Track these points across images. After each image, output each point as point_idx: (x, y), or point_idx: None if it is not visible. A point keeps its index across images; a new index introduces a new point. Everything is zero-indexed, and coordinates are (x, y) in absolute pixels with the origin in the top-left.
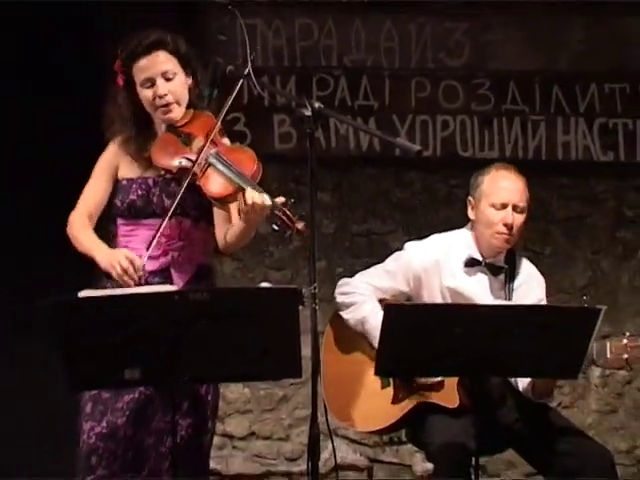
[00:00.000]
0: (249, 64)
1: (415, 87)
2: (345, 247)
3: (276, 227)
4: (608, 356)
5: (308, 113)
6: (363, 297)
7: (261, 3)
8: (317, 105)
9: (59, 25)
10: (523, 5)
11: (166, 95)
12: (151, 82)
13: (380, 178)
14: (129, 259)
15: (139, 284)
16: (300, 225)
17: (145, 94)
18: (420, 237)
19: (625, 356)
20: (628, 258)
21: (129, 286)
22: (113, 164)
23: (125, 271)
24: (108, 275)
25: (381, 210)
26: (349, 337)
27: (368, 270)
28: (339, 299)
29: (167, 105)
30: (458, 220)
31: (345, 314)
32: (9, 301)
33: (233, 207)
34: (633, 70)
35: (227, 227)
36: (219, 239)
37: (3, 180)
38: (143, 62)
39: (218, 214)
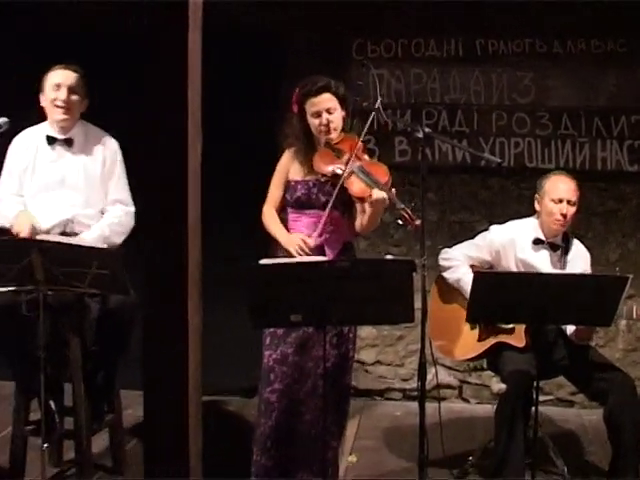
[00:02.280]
0: (379, 101)
1: (495, 118)
2: (445, 231)
3: (400, 222)
4: None
5: (420, 135)
6: (458, 262)
7: (387, 59)
8: (426, 130)
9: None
10: (573, 59)
11: (328, 124)
12: (318, 114)
13: (470, 182)
14: (303, 241)
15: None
16: (417, 222)
17: (314, 121)
18: (500, 223)
19: None
20: None
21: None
22: (286, 168)
23: (301, 249)
24: (287, 250)
25: (470, 205)
26: (448, 292)
27: (462, 244)
28: (441, 263)
29: (328, 130)
30: (525, 212)
31: (446, 274)
32: (224, 262)
33: (367, 203)
34: None
35: (361, 216)
36: (357, 225)
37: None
38: (315, 99)
39: (358, 207)
